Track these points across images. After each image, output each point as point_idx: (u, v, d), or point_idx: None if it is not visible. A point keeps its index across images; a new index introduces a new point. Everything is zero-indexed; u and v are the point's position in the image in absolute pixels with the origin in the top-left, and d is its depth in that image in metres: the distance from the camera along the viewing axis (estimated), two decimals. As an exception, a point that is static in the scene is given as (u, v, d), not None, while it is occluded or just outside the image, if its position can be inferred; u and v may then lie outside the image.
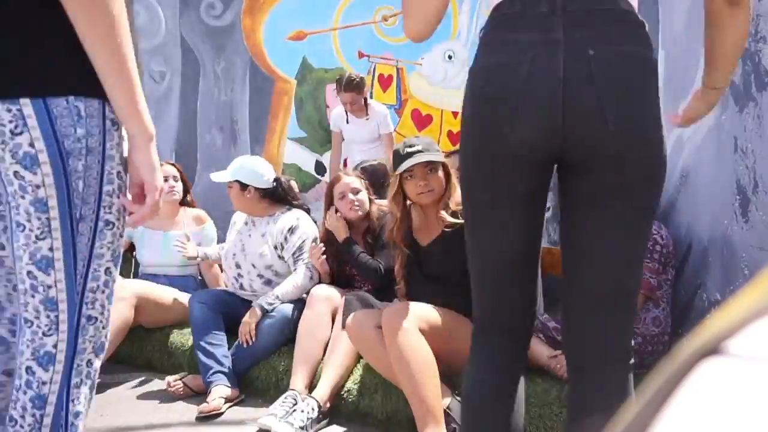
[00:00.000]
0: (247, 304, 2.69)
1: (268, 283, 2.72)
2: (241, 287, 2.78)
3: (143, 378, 2.79)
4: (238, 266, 2.77)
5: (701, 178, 2.21)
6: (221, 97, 4.46)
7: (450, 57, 4.82)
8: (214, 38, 4.46)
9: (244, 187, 2.71)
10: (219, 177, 2.76)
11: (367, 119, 3.88)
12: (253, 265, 2.73)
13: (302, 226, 2.72)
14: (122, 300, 2.73)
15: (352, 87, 3.75)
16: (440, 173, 2.11)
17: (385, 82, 4.74)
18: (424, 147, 2.07)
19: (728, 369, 0.23)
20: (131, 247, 3.29)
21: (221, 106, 4.46)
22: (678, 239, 2.33)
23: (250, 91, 4.50)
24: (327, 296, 2.40)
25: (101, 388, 2.67)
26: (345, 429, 2.12)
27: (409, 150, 2.06)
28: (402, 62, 4.75)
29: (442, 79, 4.80)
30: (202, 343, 2.49)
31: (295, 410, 2.09)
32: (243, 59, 4.49)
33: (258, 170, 2.73)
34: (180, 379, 2.54)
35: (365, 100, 3.91)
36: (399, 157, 2.09)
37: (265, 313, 2.52)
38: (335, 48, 4.66)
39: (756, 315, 0.23)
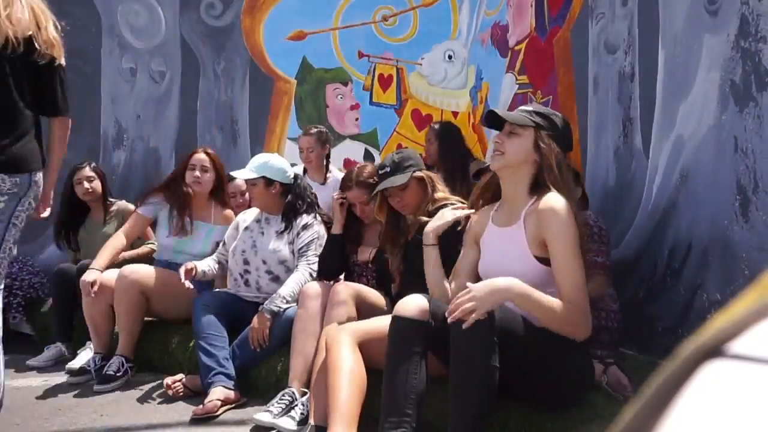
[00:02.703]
0: (250, 306, 2.69)
1: (276, 279, 2.73)
2: (246, 283, 2.77)
3: (143, 378, 2.79)
4: (246, 263, 2.76)
5: (701, 178, 2.21)
6: (221, 97, 4.46)
7: (450, 57, 4.82)
8: (214, 38, 4.46)
9: (269, 183, 2.72)
10: (242, 174, 2.76)
11: (323, 185, 3.52)
12: (264, 261, 2.74)
13: (315, 226, 2.76)
14: (129, 288, 2.77)
15: (309, 133, 3.58)
16: (413, 187, 2.26)
17: (385, 82, 4.74)
18: (393, 167, 2.26)
19: (732, 371, 0.23)
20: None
21: (221, 106, 4.46)
22: (678, 239, 2.33)
23: (250, 91, 4.50)
24: (317, 293, 2.41)
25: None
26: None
27: (380, 172, 2.30)
28: (402, 62, 4.75)
29: (442, 79, 4.80)
30: (204, 345, 2.48)
31: (293, 406, 2.16)
32: (243, 59, 4.49)
33: (282, 166, 2.77)
34: (178, 381, 2.54)
35: (327, 160, 3.62)
36: (378, 177, 2.31)
37: (275, 316, 2.52)
38: (335, 48, 4.66)
39: (759, 316, 0.23)
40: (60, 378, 2.81)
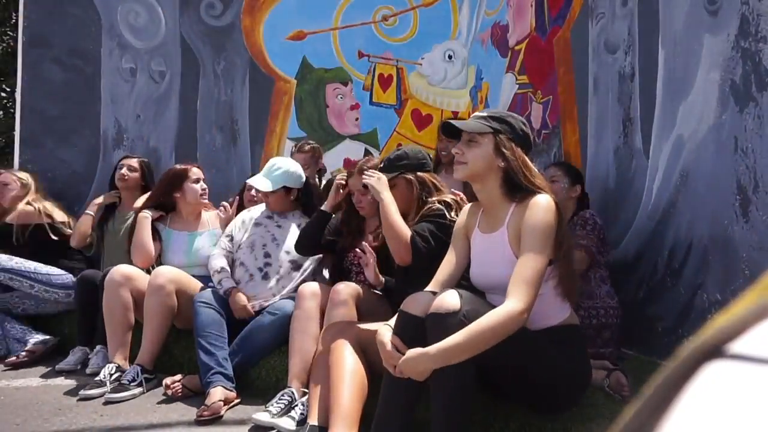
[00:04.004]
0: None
1: (298, 267, 2.79)
2: (265, 276, 2.76)
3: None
4: (267, 255, 2.80)
5: (701, 177, 2.21)
6: (221, 97, 4.46)
7: (450, 57, 4.82)
8: (214, 38, 4.46)
9: (288, 191, 2.83)
10: (263, 186, 2.78)
11: None
12: (287, 252, 2.79)
13: None
14: (160, 289, 2.72)
15: (303, 150, 3.68)
16: (401, 187, 2.26)
17: (385, 82, 4.74)
18: (386, 164, 2.32)
19: (732, 371, 0.23)
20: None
21: (221, 106, 4.45)
22: (678, 239, 2.33)
23: (250, 91, 4.50)
24: (313, 292, 2.42)
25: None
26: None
27: (379, 167, 2.35)
28: (402, 62, 4.75)
29: (442, 79, 4.80)
30: (204, 343, 2.49)
31: (292, 406, 2.17)
32: (243, 59, 4.49)
33: (299, 173, 2.89)
34: (177, 381, 2.54)
35: (320, 174, 3.78)
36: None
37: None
38: (335, 48, 4.66)
39: (759, 316, 0.23)
40: (60, 378, 2.82)
